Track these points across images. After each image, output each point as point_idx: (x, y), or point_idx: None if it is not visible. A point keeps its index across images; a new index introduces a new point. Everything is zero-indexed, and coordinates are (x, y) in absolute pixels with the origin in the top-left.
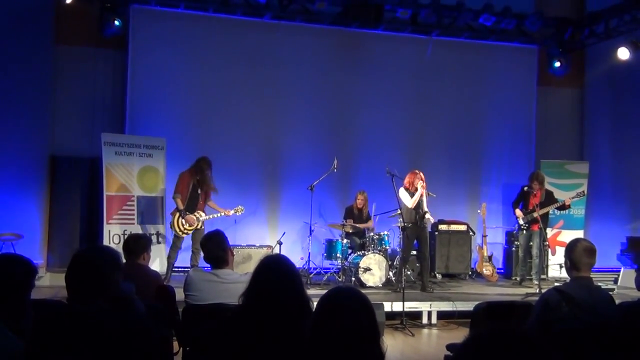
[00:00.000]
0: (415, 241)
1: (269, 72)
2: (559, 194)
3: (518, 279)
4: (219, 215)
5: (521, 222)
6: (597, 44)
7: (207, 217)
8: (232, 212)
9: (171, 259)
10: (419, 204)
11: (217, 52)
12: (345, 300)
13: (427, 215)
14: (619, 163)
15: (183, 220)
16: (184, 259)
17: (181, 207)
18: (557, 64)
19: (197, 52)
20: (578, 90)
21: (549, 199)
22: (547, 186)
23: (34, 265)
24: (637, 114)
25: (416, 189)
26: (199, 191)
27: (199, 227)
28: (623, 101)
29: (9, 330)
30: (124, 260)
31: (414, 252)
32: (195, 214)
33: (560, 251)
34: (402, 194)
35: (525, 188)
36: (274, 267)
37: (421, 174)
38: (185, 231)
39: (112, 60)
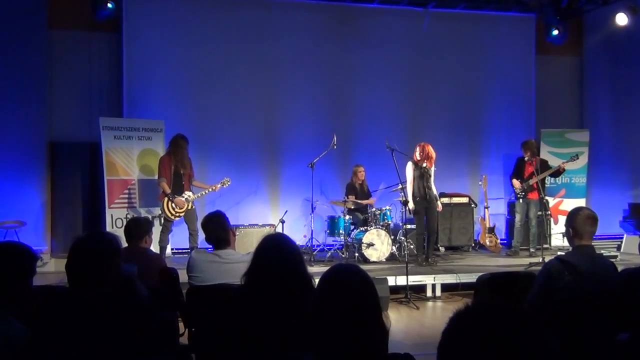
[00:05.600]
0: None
1: (266, 49)
2: (559, 163)
3: (512, 249)
4: (206, 192)
5: (517, 190)
6: (595, 10)
7: (195, 196)
8: (219, 186)
9: (163, 242)
10: (423, 176)
11: (212, 30)
12: (345, 277)
13: (438, 203)
14: (619, 130)
15: (173, 204)
16: (185, 241)
17: (168, 190)
18: (555, 32)
19: (192, 31)
20: (577, 58)
21: (544, 166)
22: (546, 155)
23: (34, 251)
24: (636, 80)
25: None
26: (182, 171)
27: (189, 207)
28: (622, 67)
29: (13, 317)
30: (126, 245)
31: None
32: (184, 195)
33: (563, 220)
34: (408, 167)
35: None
36: (275, 246)
37: (427, 146)
38: (177, 214)
39: (107, 44)
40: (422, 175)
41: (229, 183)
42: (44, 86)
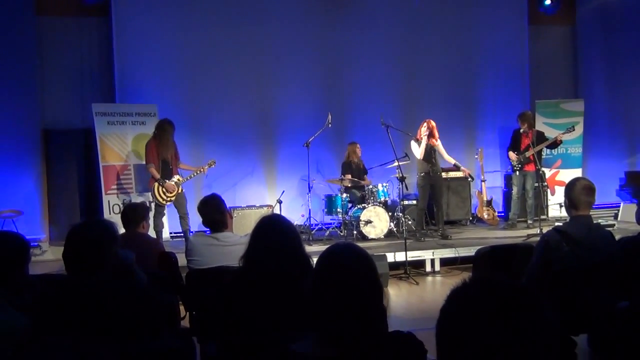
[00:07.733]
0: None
1: (258, 30)
2: (555, 134)
3: (510, 222)
4: (194, 174)
5: (514, 163)
6: None
7: (184, 179)
8: (206, 167)
9: (158, 227)
10: (430, 154)
11: (203, 12)
12: (342, 257)
13: (459, 165)
14: (613, 98)
15: (163, 189)
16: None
17: (157, 176)
18: (548, 2)
19: (183, 13)
20: (570, 27)
21: (540, 138)
22: (541, 126)
23: (26, 239)
24: (629, 47)
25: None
26: (168, 156)
27: (179, 191)
28: (615, 36)
29: (11, 306)
30: (124, 231)
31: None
32: (173, 179)
33: (560, 191)
34: (412, 146)
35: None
36: (271, 228)
37: (430, 122)
38: (168, 198)
39: (97, 29)
40: (427, 152)
41: (214, 164)
42: (34, 74)
